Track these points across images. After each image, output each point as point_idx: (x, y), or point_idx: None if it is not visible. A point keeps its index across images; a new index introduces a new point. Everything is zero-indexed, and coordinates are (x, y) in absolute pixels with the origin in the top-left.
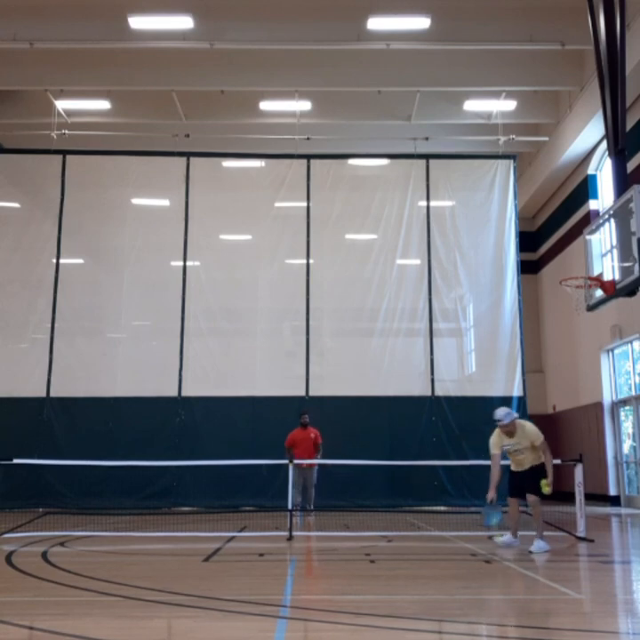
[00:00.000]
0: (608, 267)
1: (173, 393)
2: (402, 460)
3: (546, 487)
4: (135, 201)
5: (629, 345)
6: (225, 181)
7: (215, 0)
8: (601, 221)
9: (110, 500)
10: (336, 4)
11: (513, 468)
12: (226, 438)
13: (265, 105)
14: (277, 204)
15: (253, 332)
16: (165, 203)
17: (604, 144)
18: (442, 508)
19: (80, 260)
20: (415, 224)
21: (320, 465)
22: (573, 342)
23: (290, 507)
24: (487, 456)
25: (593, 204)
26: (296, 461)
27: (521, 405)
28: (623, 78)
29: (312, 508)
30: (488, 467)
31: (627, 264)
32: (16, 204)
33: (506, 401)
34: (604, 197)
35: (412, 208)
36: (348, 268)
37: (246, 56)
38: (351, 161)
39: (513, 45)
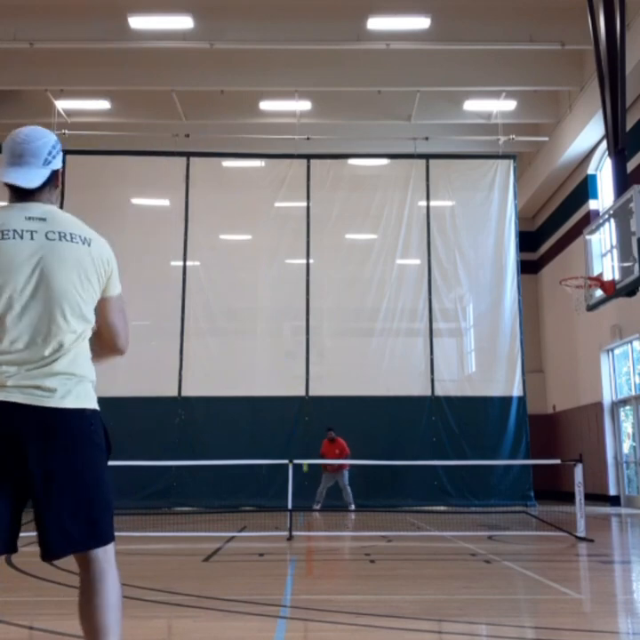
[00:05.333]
0: (608, 267)
1: (173, 393)
2: (402, 460)
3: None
4: (135, 201)
5: (629, 345)
6: (225, 181)
7: (215, 0)
8: (601, 221)
9: None
10: (336, 3)
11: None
12: (226, 438)
13: (265, 105)
14: (277, 204)
15: (253, 332)
16: (165, 203)
17: (604, 144)
18: (442, 508)
19: None
20: (415, 224)
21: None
22: (573, 342)
23: (289, 506)
24: (489, 456)
25: (593, 204)
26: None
27: (521, 405)
28: (623, 78)
29: (352, 506)
30: (490, 467)
31: (627, 264)
32: None
33: (506, 401)
34: (604, 197)
35: (412, 208)
36: (348, 268)
37: (246, 56)
38: (351, 161)
39: (513, 45)
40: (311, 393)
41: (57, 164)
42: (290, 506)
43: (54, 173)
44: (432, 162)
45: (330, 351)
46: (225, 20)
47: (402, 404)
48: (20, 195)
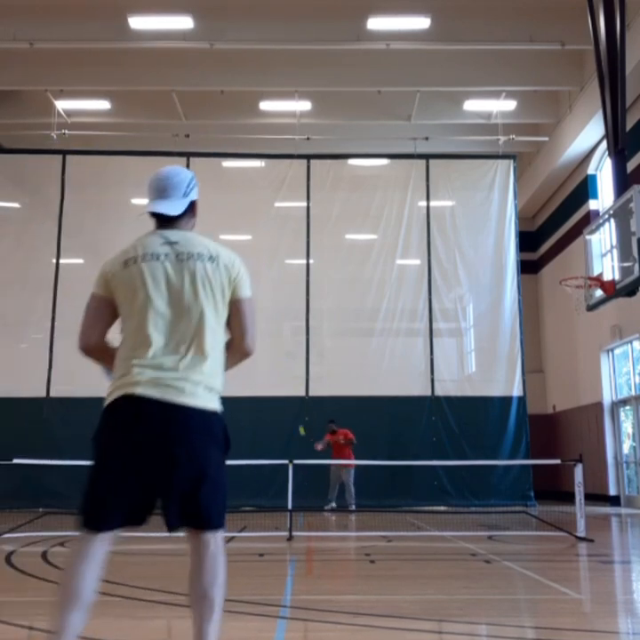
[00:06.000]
0: (608, 267)
1: None
2: (402, 460)
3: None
4: (135, 201)
5: (629, 345)
6: (225, 181)
7: (215, 0)
8: (601, 221)
9: None
10: (336, 4)
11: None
12: None
13: (265, 105)
14: (277, 204)
15: None
16: None
17: (604, 144)
18: (442, 508)
19: (80, 260)
20: (415, 224)
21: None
22: (573, 342)
23: (290, 506)
24: (489, 456)
25: (593, 204)
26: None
27: (521, 405)
28: (623, 78)
29: (352, 506)
30: (490, 467)
31: (627, 264)
32: (16, 204)
33: (506, 401)
34: (604, 197)
35: (412, 208)
36: (348, 268)
37: (246, 56)
38: (351, 161)
39: (513, 45)
40: (311, 393)
41: (194, 195)
42: (290, 506)
43: (191, 204)
44: (432, 162)
45: (330, 351)
46: (225, 20)
47: (402, 404)
48: (163, 222)
